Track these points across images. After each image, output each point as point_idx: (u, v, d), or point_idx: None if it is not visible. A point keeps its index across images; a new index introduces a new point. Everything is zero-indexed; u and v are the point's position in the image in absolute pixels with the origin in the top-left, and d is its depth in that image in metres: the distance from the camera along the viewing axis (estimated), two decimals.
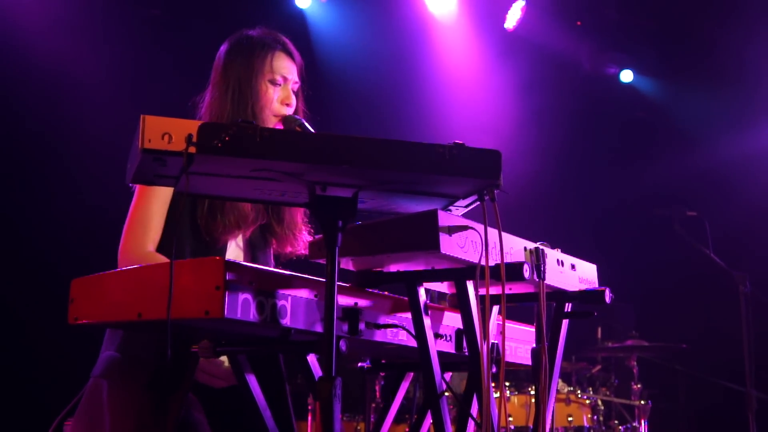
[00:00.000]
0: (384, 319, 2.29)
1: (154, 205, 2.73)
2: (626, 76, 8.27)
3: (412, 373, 2.77)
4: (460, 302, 2.26)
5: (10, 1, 6.05)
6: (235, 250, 2.86)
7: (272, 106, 2.85)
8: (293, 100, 2.90)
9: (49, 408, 2.95)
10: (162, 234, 2.76)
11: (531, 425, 5.50)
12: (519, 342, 2.80)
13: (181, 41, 6.59)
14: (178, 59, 6.36)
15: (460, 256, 2.16)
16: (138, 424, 2.49)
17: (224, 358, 2.68)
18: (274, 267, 2.94)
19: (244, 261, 2.86)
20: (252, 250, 2.92)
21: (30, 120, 6.14)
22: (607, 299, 2.53)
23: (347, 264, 2.28)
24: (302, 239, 2.94)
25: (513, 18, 7.47)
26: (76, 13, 6.22)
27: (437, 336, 2.43)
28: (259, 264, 2.85)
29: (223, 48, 2.93)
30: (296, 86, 2.93)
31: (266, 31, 2.94)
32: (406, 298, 2.28)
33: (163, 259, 2.69)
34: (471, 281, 2.22)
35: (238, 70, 2.84)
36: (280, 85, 2.88)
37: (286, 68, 2.89)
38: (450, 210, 2.22)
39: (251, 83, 2.82)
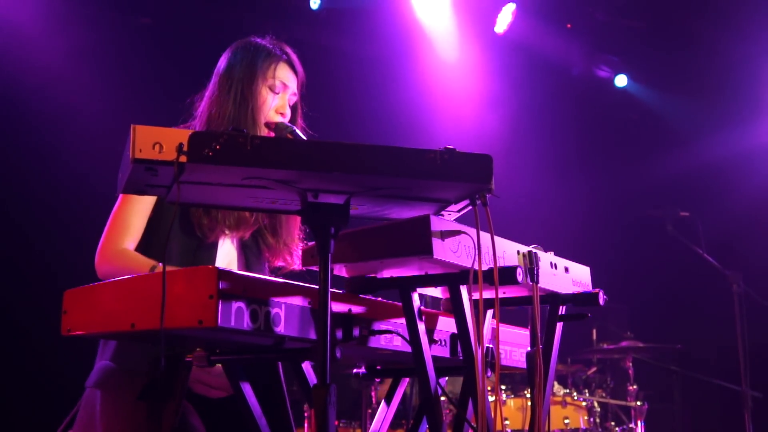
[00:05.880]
0: (378, 325, 2.29)
1: (135, 206, 2.75)
2: (618, 78, 8.27)
3: (407, 379, 2.77)
4: (454, 307, 2.26)
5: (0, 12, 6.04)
6: (230, 251, 2.86)
7: (267, 112, 2.87)
8: (288, 111, 2.92)
9: (47, 423, 2.93)
10: (148, 234, 2.76)
11: (527, 428, 5.49)
12: (514, 345, 2.81)
13: (172, 50, 6.59)
14: (169, 68, 6.36)
15: (453, 261, 2.15)
16: None
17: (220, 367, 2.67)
18: (268, 272, 2.95)
19: (238, 261, 2.86)
20: (245, 252, 2.92)
21: (25, 130, 6.13)
22: (601, 301, 2.54)
23: (340, 270, 2.27)
24: (297, 254, 2.93)
25: (503, 22, 7.45)
26: (67, 23, 6.21)
27: (432, 341, 2.43)
28: (252, 267, 2.86)
29: (229, 49, 2.95)
30: (294, 98, 2.95)
31: (273, 41, 2.97)
32: (399, 304, 2.28)
33: (137, 256, 2.70)
34: (464, 286, 2.22)
35: (242, 72, 2.86)
36: (278, 93, 2.89)
37: (288, 78, 2.92)
38: (442, 215, 2.22)
39: (252, 86, 2.85)
